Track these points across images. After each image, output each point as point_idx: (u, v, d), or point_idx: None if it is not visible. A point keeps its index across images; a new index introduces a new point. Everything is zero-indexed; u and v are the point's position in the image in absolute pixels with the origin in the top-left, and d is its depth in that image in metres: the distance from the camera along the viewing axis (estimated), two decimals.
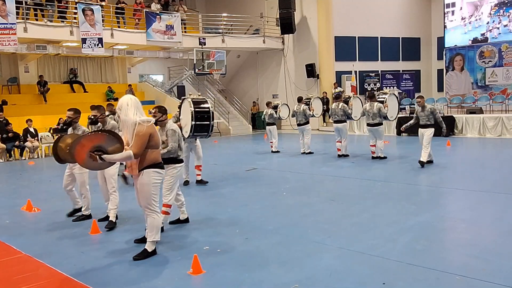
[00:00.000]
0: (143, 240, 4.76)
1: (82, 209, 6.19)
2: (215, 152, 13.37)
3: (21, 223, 6.14)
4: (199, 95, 8.05)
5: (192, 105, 7.19)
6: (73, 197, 6.30)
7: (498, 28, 17.48)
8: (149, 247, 4.52)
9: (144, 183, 4.37)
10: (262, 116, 13.30)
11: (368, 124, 10.51)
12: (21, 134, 13.73)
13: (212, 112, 7.37)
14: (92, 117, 5.80)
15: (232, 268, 4.15)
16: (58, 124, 6.10)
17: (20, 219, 6.33)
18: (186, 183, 8.35)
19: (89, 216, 6.15)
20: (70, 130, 6.04)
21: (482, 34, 17.87)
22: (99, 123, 5.92)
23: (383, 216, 5.72)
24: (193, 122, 7.22)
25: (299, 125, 12.02)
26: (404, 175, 8.61)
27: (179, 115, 7.77)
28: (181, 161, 5.41)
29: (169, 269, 4.23)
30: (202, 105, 7.29)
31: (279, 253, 4.53)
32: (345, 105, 11.07)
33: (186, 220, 5.77)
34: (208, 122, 7.25)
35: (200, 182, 8.35)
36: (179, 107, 7.82)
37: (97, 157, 4.11)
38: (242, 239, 5.01)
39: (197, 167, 8.36)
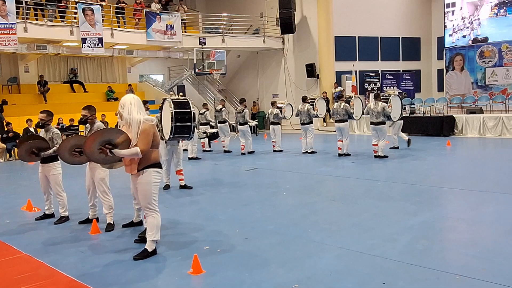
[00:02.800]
0: (143, 240, 4.76)
1: (60, 211, 6.11)
2: (215, 152, 13.38)
3: (21, 223, 6.14)
4: (180, 95, 7.89)
5: (172, 106, 6.89)
6: (51, 200, 6.26)
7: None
8: (149, 246, 4.52)
9: (145, 182, 4.38)
10: (267, 115, 13.44)
11: (372, 123, 10.62)
12: (21, 134, 13.73)
13: (194, 113, 7.12)
14: (83, 117, 5.76)
15: (232, 268, 4.15)
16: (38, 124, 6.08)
17: (20, 219, 6.33)
18: (167, 187, 8.06)
19: (67, 218, 6.09)
20: (42, 132, 5.99)
21: (482, 37, 17.93)
22: (88, 124, 5.77)
23: (383, 216, 5.72)
24: (173, 124, 6.92)
25: (302, 124, 12.08)
26: (404, 175, 8.61)
27: (160, 117, 7.51)
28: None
29: (169, 269, 4.23)
30: (182, 106, 6.99)
31: (279, 253, 4.53)
32: (347, 105, 11.15)
33: (140, 223, 5.66)
34: (189, 124, 6.98)
35: (184, 187, 8.00)
36: (160, 108, 7.54)
37: (107, 151, 4.23)
38: (242, 239, 5.01)
39: (179, 172, 8.03)
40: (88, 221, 5.91)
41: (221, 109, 13.31)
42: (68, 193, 6.29)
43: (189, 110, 7.01)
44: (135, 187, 4.50)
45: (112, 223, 5.69)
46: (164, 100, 7.42)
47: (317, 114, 12.46)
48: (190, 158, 11.72)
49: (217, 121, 13.23)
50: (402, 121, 11.82)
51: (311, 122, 12.07)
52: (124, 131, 4.39)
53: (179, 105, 7.00)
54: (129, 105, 4.32)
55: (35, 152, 5.80)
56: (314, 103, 12.66)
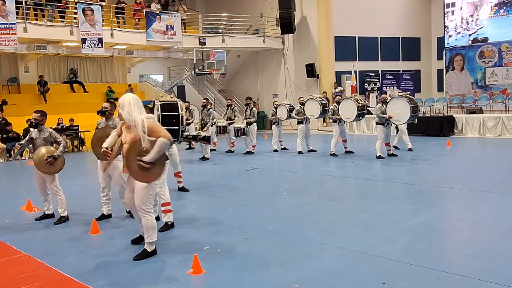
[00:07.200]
0: (139, 240, 4.76)
1: (59, 211, 6.09)
2: (215, 152, 13.38)
3: (21, 223, 6.13)
4: (171, 97, 7.71)
5: (159, 109, 6.63)
6: (49, 201, 6.27)
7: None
8: (148, 247, 4.52)
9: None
10: (270, 116, 13.52)
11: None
12: (21, 134, 13.72)
13: (182, 117, 6.85)
14: (103, 108, 5.84)
15: (232, 268, 4.15)
16: (30, 124, 6.13)
17: (20, 219, 6.33)
18: None
19: (67, 218, 6.08)
20: (36, 132, 5.99)
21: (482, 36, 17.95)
22: (104, 117, 5.97)
23: (383, 216, 5.72)
24: None
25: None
26: (404, 175, 8.61)
27: None
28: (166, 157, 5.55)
29: (169, 269, 4.22)
30: (170, 109, 6.75)
31: (279, 253, 4.53)
32: (333, 107, 11.39)
33: (110, 216, 6.11)
34: (177, 127, 6.68)
35: (182, 190, 7.82)
36: (151, 110, 7.50)
37: (147, 164, 4.18)
38: (242, 239, 5.01)
39: (177, 175, 7.83)
40: (104, 217, 6.09)
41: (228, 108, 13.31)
42: (67, 193, 6.29)
43: (177, 113, 6.90)
44: (133, 187, 4.47)
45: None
46: (154, 102, 7.35)
47: (304, 117, 12.20)
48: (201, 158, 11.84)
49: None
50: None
51: (299, 123, 12.27)
52: (122, 132, 4.37)
53: (167, 108, 6.75)
54: (128, 106, 4.25)
55: (50, 157, 5.79)
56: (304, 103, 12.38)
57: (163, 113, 6.64)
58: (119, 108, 4.31)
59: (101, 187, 6.12)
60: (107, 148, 4.51)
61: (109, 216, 6.16)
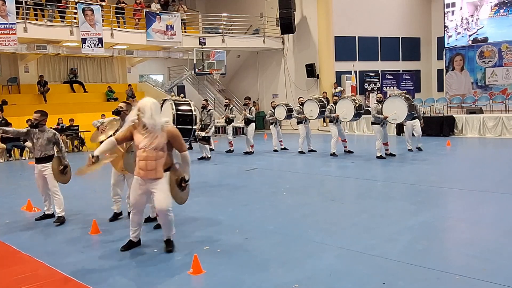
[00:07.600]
0: (131, 246, 4.76)
1: (57, 211, 6.07)
2: (215, 152, 13.38)
3: (21, 223, 6.13)
4: (181, 97, 7.69)
5: (173, 108, 6.63)
6: (50, 201, 6.27)
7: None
8: (171, 237, 4.69)
9: (166, 183, 4.48)
10: (268, 116, 13.60)
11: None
12: None
13: (195, 116, 6.88)
14: (119, 108, 5.84)
15: (232, 268, 4.15)
16: (32, 124, 6.10)
17: (20, 219, 6.33)
18: None
19: (64, 218, 6.05)
20: (37, 133, 5.97)
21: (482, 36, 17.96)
22: (119, 117, 5.90)
23: (383, 216, 5.72)
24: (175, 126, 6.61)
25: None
26: (404, 175, 8.61)
27: None
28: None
29: (169, 269, 4.23)
30: (184, 108, 6.75)
31: (279, 253, 4.53)
32: (331, 107, 11.43)
33: (121, 213, 6.14)
34: (190, 126, 6.75)
35: None
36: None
37: (186, 185, 4.63)
38: (242, 239, 5.01)
39: None
40: (116, 215, 6.10)
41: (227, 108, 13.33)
42: (67, 193, 6.29)
43: (190, 112, 6.88)
44: (150, 190, 4.45)
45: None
46: (164, 100, 7.22)
47: (303, 117, 12.18)
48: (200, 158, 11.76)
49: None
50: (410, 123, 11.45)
51: (299, 123, 12.31)
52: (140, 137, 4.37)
53: (181, 107, 6.79)
54: (149, 111, 4.24)
55: (62, 168, 5.92)
56: (303, 104, 12.33)
57: (178, 112, 6.64)
58: (139, 112, 4.28)
59: (111, 186, 6.05)
60: (93, 157, 4.32)
61: (120, 214, 6.14)
